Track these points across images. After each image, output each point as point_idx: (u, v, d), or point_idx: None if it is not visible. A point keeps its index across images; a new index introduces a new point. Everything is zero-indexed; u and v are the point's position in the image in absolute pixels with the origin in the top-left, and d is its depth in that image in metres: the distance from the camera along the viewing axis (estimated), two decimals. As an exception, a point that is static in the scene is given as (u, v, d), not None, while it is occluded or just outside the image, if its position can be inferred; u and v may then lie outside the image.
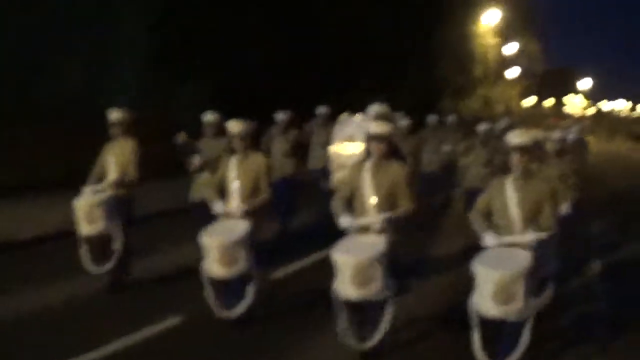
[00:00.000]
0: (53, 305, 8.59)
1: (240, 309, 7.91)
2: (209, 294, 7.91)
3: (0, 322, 7.95)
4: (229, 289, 7.99)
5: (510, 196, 6.79)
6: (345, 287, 6.77)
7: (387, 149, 7.34)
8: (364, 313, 7.12)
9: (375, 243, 6.99)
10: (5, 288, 9.15)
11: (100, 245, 9.08)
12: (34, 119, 15.35)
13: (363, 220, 7.25)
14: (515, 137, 6.80)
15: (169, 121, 12.62)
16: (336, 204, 7.54)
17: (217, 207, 8.22)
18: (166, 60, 20.90)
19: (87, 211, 8.82)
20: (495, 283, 6.21)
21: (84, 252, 9.08)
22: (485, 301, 6.30)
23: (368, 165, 7.39)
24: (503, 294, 6.19)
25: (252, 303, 8.00)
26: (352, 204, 7.44)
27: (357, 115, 12.00)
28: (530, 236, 6.66)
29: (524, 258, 6.44)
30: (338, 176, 11.52)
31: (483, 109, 50.07)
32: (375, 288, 6.79)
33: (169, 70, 21.02)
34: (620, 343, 7.90)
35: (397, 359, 7.37)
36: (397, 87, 32.22)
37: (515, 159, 6.79)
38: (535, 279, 6.60)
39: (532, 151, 6.96)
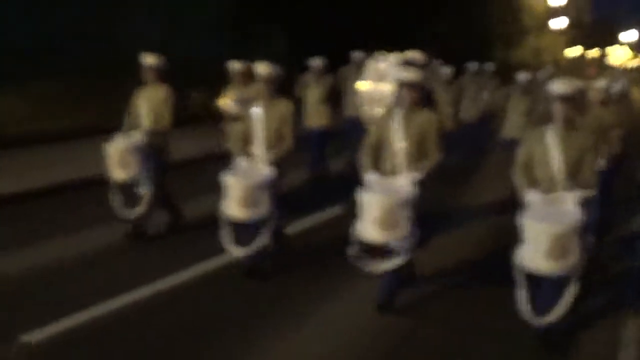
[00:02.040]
0: (79, 252, 8.22)
1: (252, 249, 7.42)
2: (225, 234, 7.44)
3: (35, 268, 7.68)
4: (246, 231, 7.49)
5: (551, 147, 6.17)
6: (369, 229, 6.38)
7: (417, 97, 6.80)
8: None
9: (404, 187, 6.55)
10: (38, 235, 8.84)
11: (131, 190, 8.61)
12: (115, 74, 14.85)
13: (390, 181, 6.70)
14: (558, 86, 6.11)
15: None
16: (363, 156, 6.98)
17: (240, 163, 7.66)
18: (241, 16, 20.86)
19: (119, 156, 8.33)
20: (551, 238, 5.64)
21: (115, 197, 8.67)
22: (537, 257, 5.72)
23: (398, 113, 6.85)
24: (558, 249, 5.65)
25: (269, 249, 7.64)
26: (379, 153, 6.93)
27: (391, 54, 11.25)
28: (575, 195, 6.01)
29: (574, 212, 5.88)
30: (368, 111, 10.85)
31: (532, 59, 48.95)
32: (399, 233, 6.38)
33: (245, 25, 20.90)
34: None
35: (420, 312, 6.85)
36: (446, 37, 31.35)
37: (557, 108, 6.14)
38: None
39: (576, 101, 6.23)
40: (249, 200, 7.18)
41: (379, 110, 10.49)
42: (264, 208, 7.29)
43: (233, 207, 7.23)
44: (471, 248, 8.89)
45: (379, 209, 6.29)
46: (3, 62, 14.43)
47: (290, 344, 6.09)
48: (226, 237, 7.44)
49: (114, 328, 6.29)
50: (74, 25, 16.04)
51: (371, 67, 11.40)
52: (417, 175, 6.63)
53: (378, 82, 11.05)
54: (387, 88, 10.54)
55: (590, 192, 6.12)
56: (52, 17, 15.69)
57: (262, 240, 7.40)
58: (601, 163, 8.21)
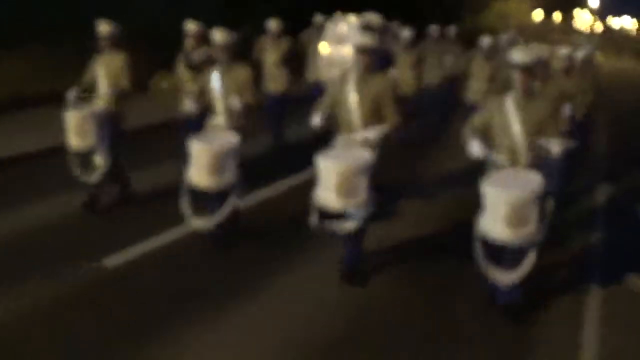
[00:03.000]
0: (44, 221, 7.88)
1: (216, 219, 7.08)
2: (185, 203, 7.04)
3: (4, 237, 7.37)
4: (210, 200, 7.17)
5: (511, 115, 6.00)
6: (327, 195, 6.13)
7: (370, 61, 6.61)
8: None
9: (362, 154, 6.34)
10: (9, 200, 8.52)
11: (89, 158, 8.20)
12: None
13: (347, 142, 6.58)
14: (518, 55, 5.94)
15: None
16: (315, 111, 6.77)
17: (190, 105, 7.57)
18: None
19: (78, 124, 7.92)
20: (509, 205, 5.49)
21: (73, 163, 8.21)
22: (496, 224, 5.59)
23: (352, 77, 6.68)
24: (516, 217, 5.50)
25: (232, 218, 7.33)
26: (335, 116, 6.78)
27: (350, 16, 10.84)
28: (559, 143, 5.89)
29: (535, 179, 5.72)
30: (325, 74, 10.45)
31: (498, 23, 48.69)
32: (357, 200, 6.15)
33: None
34: (611, 285, 6.92)
35: (384, 283, 6.69)
36: (415, 4, 30.83)
37: (517, 77, 5.97)
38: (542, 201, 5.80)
39: (536, 70, 6.03)
40: (216, 168, 6.83)
41: (337, 73, 10.13)
42: (230, 176, 6.96)
43: (199, 174, 6.87)
44: (434, 218, 8.59)
45: (336, 175, 6.03)
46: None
47: (247, 316, 5.90)
48: (187, 207, 7.06)
49: (74, 301, 6.02)
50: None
51: (330, 30, 10.95)
52: (374, 134, 6.46)
53: (337, 44, 10.64)
54: (346, 50, 10.16)
55: (569, 143, 6.05)
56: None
57: (226, 210, 7.07)
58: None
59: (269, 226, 7.98)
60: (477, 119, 6.27)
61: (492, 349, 5.67)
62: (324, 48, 10.87)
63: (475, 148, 5.99)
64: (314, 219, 6.31)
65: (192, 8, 16.94)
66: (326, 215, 6.28)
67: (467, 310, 6.19)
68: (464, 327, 5.93)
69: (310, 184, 6.52)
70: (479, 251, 5.81)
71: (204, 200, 7.13)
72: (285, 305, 6.15)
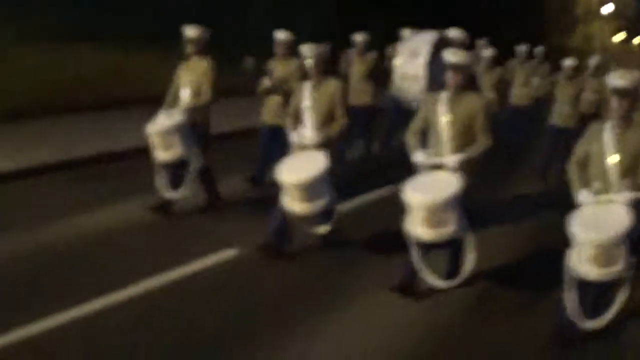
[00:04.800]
0: (115, 227, 7.89)
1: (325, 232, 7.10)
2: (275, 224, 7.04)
3: (81, 237, 7.43)
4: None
5: (607, 143, 5.53)
6: (417, 228, 5.85)
7: (464, 80, 6.22)
8: (438, 251, 6.31)
9: (449, 182, 5.92)
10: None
11: (177, 169, 8.02)
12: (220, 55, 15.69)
13: (436, 160, 6.21)
14: (616, 79, 5.41)
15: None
16: (409, 137, 6.49)
17: (293, 137, 7.16)
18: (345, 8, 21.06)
19: (162, 137, 7.67)
20: (595, 247, 5.16)
21: (159, 178, 8.05)
22: (584, 264, 5.26)
23: (444, 96, 6.28)
24: (604, 258, 5.18)
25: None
26: (426, 137, 6.45)
27: (426, 31, 10.70)
28: (627, 197, 5.41)
29: (623, 218, 5.24)
30: (399, 87, 10.35)
31: (584, 45, 47.70)
32: (448, 230, 5.83)
33: (348, 16, 20.47)
34: None
35: (464, 313, 6.27)
36: (504, 24, 30.45)
37: (614, 102, 5.47)
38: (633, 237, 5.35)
39: (635, 95, 5.48)
40: (307, 196, 6.61)
41: (410, 87, 9.90)
42: (323, 200, 6.71)
43: (292, 202, 6.69)
44: (516, 243, 8.14)
45: (423, 209, 5.77)
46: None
47: (319, 336, 5.63)
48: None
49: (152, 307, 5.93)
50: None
51: (404, 44, 10.82)
52: (463, 156, 6.12)
53: (410, 58, 10.49)
54: (419, 64, 9.97)
55: None
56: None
57: (327, 229, 7.04)
58: None
59: (355, 237, 7.71)
60: (577, 153, 5.82)
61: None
62: (397, 62, 10.72)
63: (583, 197, 5.57)
64: (414, 255, 6.08)
65: (303, 16, 17.04)
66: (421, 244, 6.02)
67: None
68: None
69: (395, 198, 6.22)
70: (569, 287, 5.46)
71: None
72: (366, 318, 5.95)
